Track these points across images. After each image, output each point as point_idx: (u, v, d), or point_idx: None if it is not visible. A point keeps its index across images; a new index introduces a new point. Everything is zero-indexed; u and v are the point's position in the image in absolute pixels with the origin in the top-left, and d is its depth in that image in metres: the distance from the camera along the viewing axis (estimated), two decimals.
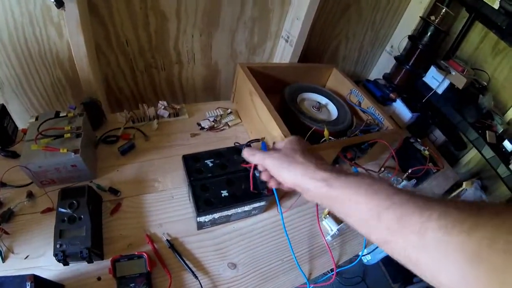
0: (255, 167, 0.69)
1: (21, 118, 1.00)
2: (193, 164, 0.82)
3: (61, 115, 0.84)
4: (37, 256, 0.69)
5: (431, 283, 0.35)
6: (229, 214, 0.80)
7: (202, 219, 0.76)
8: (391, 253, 0.39)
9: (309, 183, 0.49)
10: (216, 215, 0.78)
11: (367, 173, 0.49)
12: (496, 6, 1.10)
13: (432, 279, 0.35)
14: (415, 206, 0.37)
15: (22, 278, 0.55)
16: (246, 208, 0.81)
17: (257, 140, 0.88)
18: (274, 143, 0.66)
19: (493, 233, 0.30)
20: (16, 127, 0.92)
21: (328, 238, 0.89)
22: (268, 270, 0.79)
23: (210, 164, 0.83)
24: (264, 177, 0.64)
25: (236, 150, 0.88)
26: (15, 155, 0.85)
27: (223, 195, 0.78)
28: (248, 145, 0.86)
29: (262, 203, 0.83)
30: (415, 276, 1.78)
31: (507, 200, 1.38)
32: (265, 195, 0.79)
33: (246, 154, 0.65)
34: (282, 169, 0.55)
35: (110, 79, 1.12)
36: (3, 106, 0.86)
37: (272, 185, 0.64)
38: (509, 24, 1.09)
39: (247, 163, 0.80)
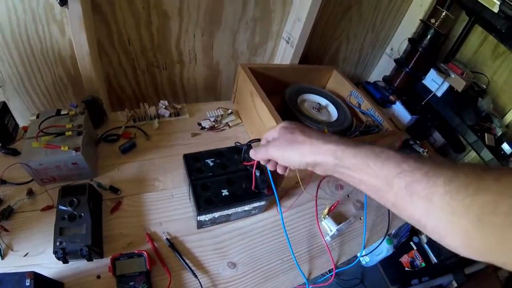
0: (258, 166, 0.69)
1: (22, 116, 1.00)
2: (194, 164, 0.82)
3: (62, 113, 0.84)
4: (37, 254, 0.69)
5: (439, 242, 0.37)
6: (229, 213, 0.80)
7: (202, 218, 0.76)
8: (399, 214, 0.41)
9: (317, 158, 0.49)
10: (216, 214, 0.78)
11: (374, 143, 0.49)
12: (495, 9, 1.11)
13: (439, 240, 0.37)
14: (423, 173, 0.38)
15: (22, 275, 0.55)
16: (246, 207, 0.81)
17: (258, 140, 0.88)
18: (265, 137, 0.64)
19: (495, 198, 0.31)
20: (17, 124, 0.92)
21: (327, 238, 0.89)
22: (267, 269, 0.80)
23: (211, 164, 0.83)
24: (271, 166, 0.64)
25: (237, 150, 0.88)
26: (15, 153, 0.85)
27: (223, 194, 0.78)
28: (249, 144, 0.86)
29: (262, 203, 0.83)
30: (413, 278, 1.79)
31: None
32: (265, 194, 0.79)
33: (251, 154, 0.64)
34: (287, 152, 0.54)
35: (112, 77, 1.12)
36: (4, 104, 0.86)
37: (280, 171, 0.63)
38: (508, 27, 1.09)
39: (248, 161, 0.81)
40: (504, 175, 0.32)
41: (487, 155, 1.19)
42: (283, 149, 0.54)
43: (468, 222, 0.32)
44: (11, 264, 0.67)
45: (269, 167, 0.64)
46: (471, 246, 0.34)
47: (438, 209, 0.35)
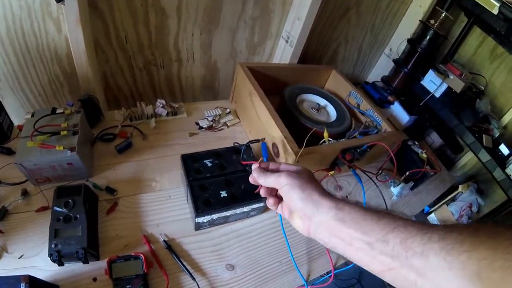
0: None
1: (17, 114, 0.98)
2: (191, 164, 0.81)
3: (57, 111, 0.82)
4: (32, 256, 0.68)
5: None
6: (228, 215, 0.79)
7: (200, 219, 0.75)
8: (393, 280, 0.40)
9: (320, 204, 0.48)
10: (215, 216, 0.77)
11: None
12: (495, 11, 1.10)
13: None
14: (418, 229, 0.38)
15: (17, 279, 0.54)
16: (245, 209, 0.80)
17: (257, 141, 0.88)
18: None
19: (491, 253, 0.31)
20: (11, 123, 0.90)
21: None
22: (266, 271, 0.79)
23: (209, 164, 0.82)
24: (263, 193, 0.60)
25: (235, 150, 0.88)
26: (10, 152, 0.83)
27: (221, 195, 0.77)
28: (248, 145, 0.85)
29: (261, 204, 0.82)
30: None
31: (503, 203, 1.39)
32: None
33: (261, 179, 0.59)
34: (293, 189, 0.51)
35: (108, 76, 1.10)
36: None
37: (270, 203, 0.60)
38: (508, 29, 1.09)
39: (246, 161, 0.80)
40: (496, 232, 0.33)
41: (484, 156, 1.19)
42: (293, 184, 0.52)
43: (465, 278, 0.32)
44: (6, 267, 0.65)
45: (262, 192, 0.60)
46: None
47: (435, 266, 0.35)
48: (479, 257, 0.32)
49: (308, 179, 0.53)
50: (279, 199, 0.59)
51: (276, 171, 0.59)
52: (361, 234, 0.43)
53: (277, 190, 0.59)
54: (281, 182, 0.54)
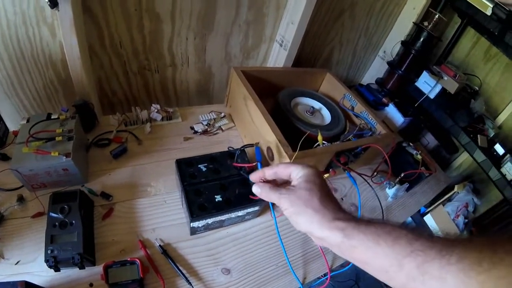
0: (251, 171, 0.67)
1: (12, 120, 0.98)
2: (186, 169, 0.82)
3: (53, 117, 0.82)
4: (28, 262, 0.68)
5: None
6: (223, 219, 0.79)
7: (195, 224, 0.76)
8: None
9: (326, 232, 0.46)
10: (210, 220, 0.77)
11: (386, 220, 0.48)
12: (488, 12, 1.11)
13: None
14: (436, 252, 0.37)
15: (13, 285, 0.54)
16: (240, 213, 0.81)
17: (252, 145, 0.88)
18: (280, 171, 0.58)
19: (510, 271, 0.31)
20: (7, 129, 0.90)
21: None
22: (262, 275, 0.79)
23: (204, 169, 0.83)
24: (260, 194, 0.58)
25: (230, 154, 0.88)
26: (5, 158, 0.83)
27: (216, 200, 0.77)
28: (242, 150, 0.85)
29: (256, 208, 0.82)
30: None
31: (498, 202, 1.39)
32: (259, 200, 0.79)
33: (256, 191, 0.58)
34: (298, 215, 0.50)
35: (103, 81, 1.11)
36: None
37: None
38: (501, 30, 1.10)
39: (240, 163, 0.80)
40: None
41: (479, 156, 1.19)
42: (296, 208, 0.50)
43: None
44: (3, 273, 0.65)
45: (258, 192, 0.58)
46: None
47: (452, 287, 0.34)
48: (498, 275, 0.32)
49: (311, 197, 0.49)
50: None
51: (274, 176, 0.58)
52: (373, 260, 0.42)
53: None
54: (282, 206, 0.52)
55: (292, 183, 0.54)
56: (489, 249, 0.34)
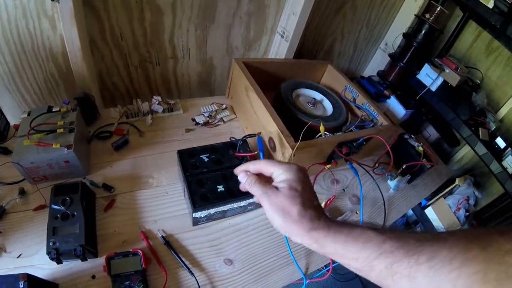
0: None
1: (13, 114, 0.98)
2: (188, 159, 0.82)
3: (54, 110, 0.82)
4: (30, 255, 0.68)
5: None
6: (225, 209, 0.79)
7: (198, 214, 0.76)
8: None
9: (302, 240, 0.48)
10: (212, 211, 0.77)
11: (355, 223, 0.48)
12: (490, 5, 1.10)
13: None
14: (405, 252, 0.38)
15: (15, 278, 0.54)
16: (242, 203, 0.81)
17: (254, 135, 0.88)
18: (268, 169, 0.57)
19: (483, 266, 0.31)
20: (7, 123, 0.90)
21: None
22: (264, 266, 0.79)
23: (206, 159, 0.83)
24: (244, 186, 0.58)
25: (232, 145, 0.88)
26: (6, 152, 0.83)
27: (219, 190, 0.77)
28: (244, 140, 0.85)
29: None
30: None
31: (499, 196, 1.39)
32: None
33: (247, 184, 0.57)
34: (275, 219, 0.50)
35: (104, 73, 1.10)
36: None
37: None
38: (503, 23, 1.09)
39: (242, 153, 0.80)
40: (489, 240, 0.33)
41: (481, 149, 1.19)
42: (276, 212, 0.50)
43: None
44: (5, 266, 0.66)
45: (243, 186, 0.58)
46: None
47: (423, 286, 0.35)
48: (471, 271, 0.32)
49: (291, 205, 0.49)
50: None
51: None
52: (348, 262, 0.44)
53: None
54: (263, 204, 0.52)
55: (274, 183, 0.54)
56: (464, 246, 0.34)
